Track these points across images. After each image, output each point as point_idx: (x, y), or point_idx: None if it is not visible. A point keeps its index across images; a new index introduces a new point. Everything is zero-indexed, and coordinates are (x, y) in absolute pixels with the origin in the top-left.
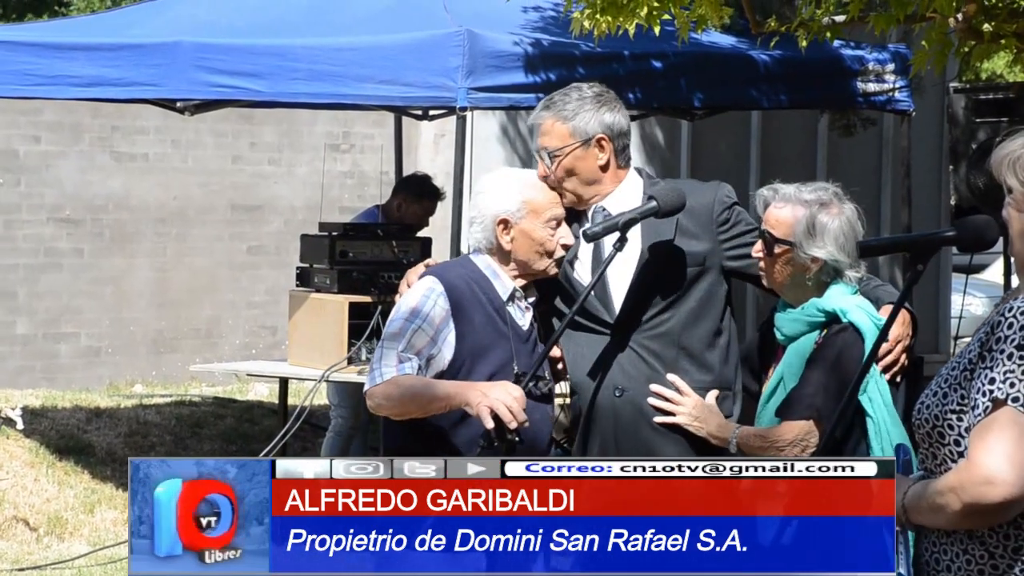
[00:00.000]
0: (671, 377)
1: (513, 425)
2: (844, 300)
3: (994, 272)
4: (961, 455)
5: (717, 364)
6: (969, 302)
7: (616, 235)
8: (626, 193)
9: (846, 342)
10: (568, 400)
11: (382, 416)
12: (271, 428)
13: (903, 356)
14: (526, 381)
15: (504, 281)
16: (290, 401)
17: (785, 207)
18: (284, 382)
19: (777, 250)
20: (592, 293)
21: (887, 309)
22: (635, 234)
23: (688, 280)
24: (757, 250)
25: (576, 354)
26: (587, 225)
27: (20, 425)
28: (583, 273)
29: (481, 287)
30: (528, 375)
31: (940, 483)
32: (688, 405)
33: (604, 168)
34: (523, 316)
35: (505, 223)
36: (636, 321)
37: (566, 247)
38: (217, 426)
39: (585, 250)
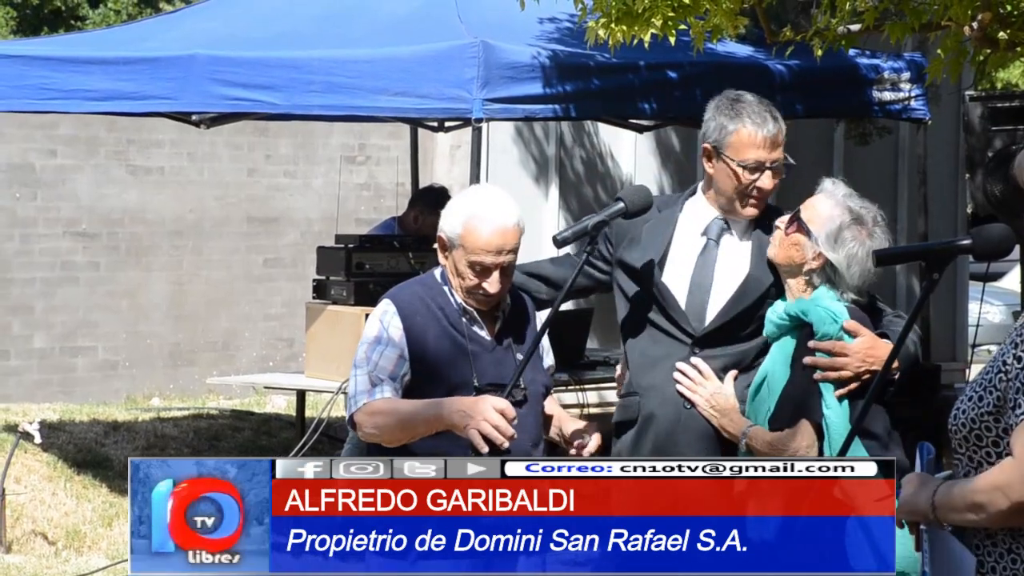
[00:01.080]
0: (695, 360)
1: (504, 445)
2: (809, 302)
3: (1011, 280)
4: (1000, 456)
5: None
6: (986, 310)
7: (704, 242)
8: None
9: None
10: (588, 411)
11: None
12: (289, 441)
13: (849, 376)
14: (505, 395)
15: (457, 296)
16: (307, 413)
17: (828, 201)
18: (301, 394)
19: (792, 230)
20: (686, 300)
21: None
22: (745, 254)
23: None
24: (782, 219)
25: (647, 355)
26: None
27: (38, 439)
28: (673, 278)
29: (437, 302)
30: (507, 389)
31: (982, 481)
32: (707, 390)
33: None
34: (483, 327)
35: (443, 243)
36: (721, 339)
37: (486, 295)
38: (235, 439)
39: (682, 251)
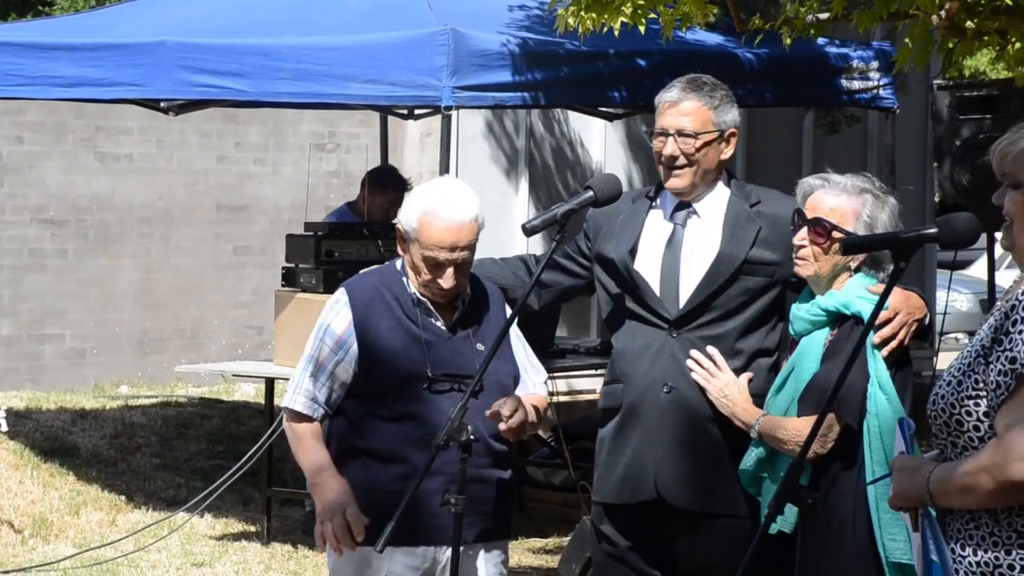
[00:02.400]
0: (711, 350)
1: (338, 554)
2: (846, 294)
3: (979, 268)
4: (982, 440)
5: (764, 374)
6: (954, 298)
7: (671, 228)
8: (717, 196)
9: (855, 333)
10: (557, 399)
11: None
12: (257, 429)
13: (902, 331)
14: (469, 389)
15: (413, 287)
16: (276, 402)
17: (840, 195)
18: (270, 382)
19: (835, 237)
20: (659, 285)
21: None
22: (716, 233)
23: (755, 289)
24: (802, 238)
25: (627, 343)
26: (527, 219)
27: (4, 427)
28: (645, 267)
29: (393, 291)
30: (475, 380)
31: (970, 464)
32: (721, 381)
33: (722, 165)
34: (439, 318)
35: (400, 236)
36: (697, 321)
37: (440, 289)
38: (203, 427)
39: (652, 240)
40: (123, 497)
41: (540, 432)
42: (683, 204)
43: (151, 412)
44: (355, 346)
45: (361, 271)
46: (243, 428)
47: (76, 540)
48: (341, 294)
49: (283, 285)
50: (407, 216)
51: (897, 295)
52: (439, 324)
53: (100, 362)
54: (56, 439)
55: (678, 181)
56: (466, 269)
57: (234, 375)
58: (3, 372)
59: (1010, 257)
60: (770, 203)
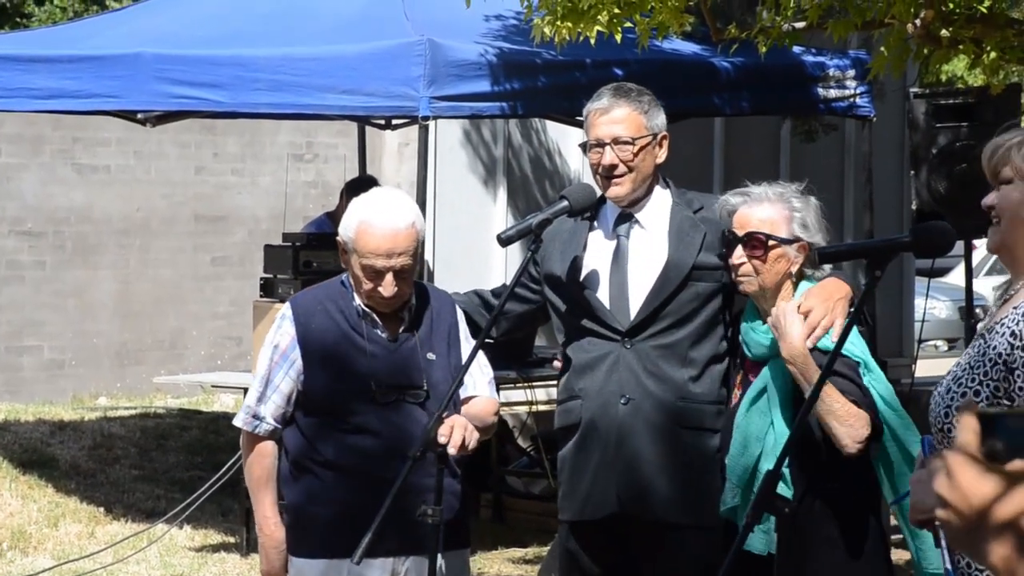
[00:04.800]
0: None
1: None
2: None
3: (957, 276)
4: None
5: (717, 381)
6: (932, 306)
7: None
8: (658, 204)
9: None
10: (536, 407)
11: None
12: (236, 440)
13: (826, 319)
14: (437, 410)
15: (358, 299)
16: None
17: (763, 205)
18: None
19: (771, 246)
20: (608, 298)
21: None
22: (662, 241)
23: (705, 295)
24: (740, 256)
25: (581, 358)
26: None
27: None
28: (593, 281)
29: (338, 304)
30: (444, 401)
31: None
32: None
33: (657, 169)
34: (385, 329)
35: (341, 247)
36: (649, 330)
37: (382, 298)
38: (182, 438)
39: (597, 254)
40: (102, 509)
41: (520, 441)
42: (625, 215)
43: (130, 423)
44: (299, 360)
45: (306, 288)
46: (222, 439)
47: (55, 552)
48: (286, 309)
49: (261, 296)
50: (345, 227)
51: (812, 291)
52: (384, 335)
53: (78, 373)
54: (35, 451)
55: (619, 189)
56: (407, 277)
57: (213, 386)
58: None
59: (988, 265)
60: (712, 208)
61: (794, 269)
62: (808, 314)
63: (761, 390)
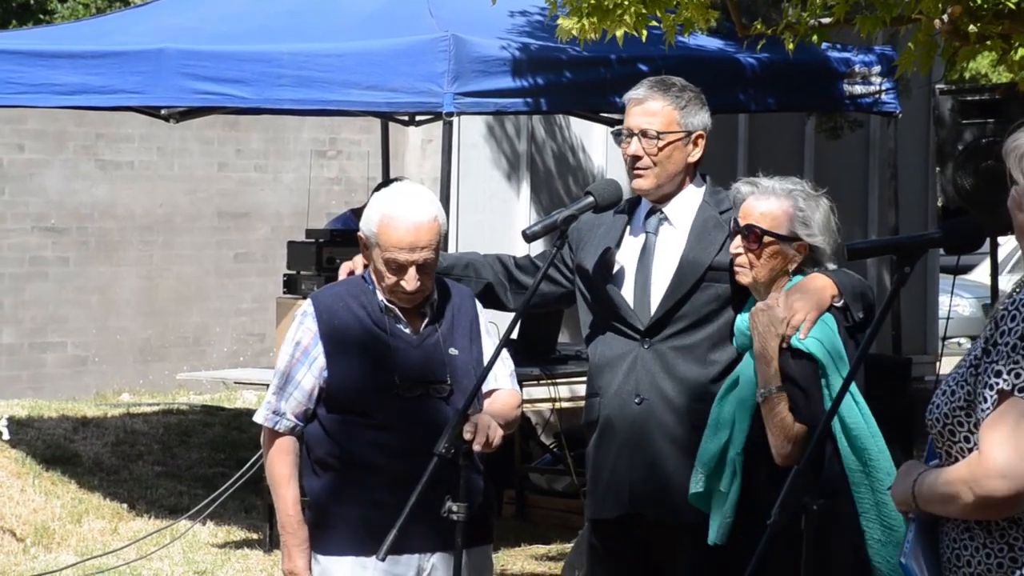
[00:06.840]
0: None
1: None
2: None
3: (981, 273)
4: (971, 451)
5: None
6: (956, 303)
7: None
8: (687, 201)
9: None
10: (559, 404)
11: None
12: (259, 436)
13: (798, 315)
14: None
15: (380, 294)
16: None
17: (768, 199)
18: None
19: (766, 242)
20: (632, 295)
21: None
22: (683, 240)
23: (725, 296)
24: (737, 246)
25: (602, 355)
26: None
27: (6, 435)
28: (621, 278)
29: (360, 300)
30: (468, 398)
31: (951, 473)
32: (772, 307)
33: (689, 167)
34: (408, 324)
35: (362, 243)
36: (667, 330)
37: (405, 292)
38: (205, 434)
39: (628, 250)
40: (125, 505)
41: (543, 438)
42: (654, 209)
43: (153, 420)
44: (322, 356)
45: (329, 284)
46: (245, 436)
47: (78, 548)
48: (307, 306)
49: (285, 292)
50: (367, 222)
51: (795, 287)
52: (408, 330)
53: (102, 370)
54: (58, 447)
55: (642, 182)
56: (430, 271)
57: (236, 382)
58: (5, 380)
59: (1012, 262)
60: None
61: (791, 267)
62: (789, 310)
63: (736, 379)
